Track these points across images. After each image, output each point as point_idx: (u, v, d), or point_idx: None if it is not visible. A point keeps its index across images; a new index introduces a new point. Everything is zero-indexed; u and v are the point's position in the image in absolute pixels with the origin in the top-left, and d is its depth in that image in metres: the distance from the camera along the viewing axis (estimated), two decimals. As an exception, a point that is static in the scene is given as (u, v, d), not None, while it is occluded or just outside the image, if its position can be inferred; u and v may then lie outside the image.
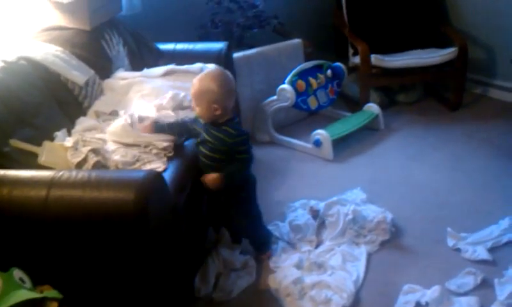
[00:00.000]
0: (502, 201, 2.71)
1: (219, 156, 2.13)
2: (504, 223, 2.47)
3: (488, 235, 2.42)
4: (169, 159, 2.18)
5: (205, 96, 2.07)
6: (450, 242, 2.40)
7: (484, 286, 2.14)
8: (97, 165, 2.01)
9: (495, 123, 3.67)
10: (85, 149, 2.04)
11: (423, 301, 2.06)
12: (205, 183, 2.14)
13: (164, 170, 2.08)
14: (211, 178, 2.12)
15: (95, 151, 2.05)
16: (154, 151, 2.18)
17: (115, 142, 2.21)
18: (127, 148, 2.18)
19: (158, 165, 2.10)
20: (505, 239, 2.38)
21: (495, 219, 2.53)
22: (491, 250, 2.33)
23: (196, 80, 2.12)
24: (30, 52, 2.39)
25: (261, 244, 2.40)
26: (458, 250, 2.36)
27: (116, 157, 2.09)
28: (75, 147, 2.07)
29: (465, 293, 2.10)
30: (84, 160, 2.02)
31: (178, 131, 2.28)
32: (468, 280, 2.16)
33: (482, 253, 2.30)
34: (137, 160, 2.12)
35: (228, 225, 2.42)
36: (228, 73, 2.19)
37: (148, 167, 2.08)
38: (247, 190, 2.29)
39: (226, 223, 2.42)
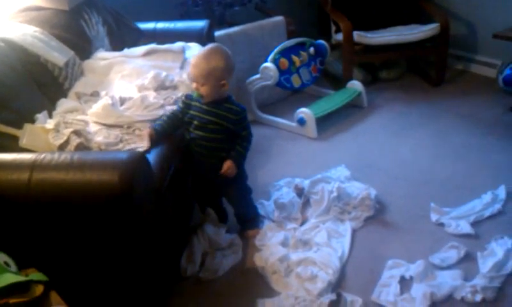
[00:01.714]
0: (485, 176, 2.74)
1: (221, 136, 2.14)
2: (487, 197, 2.51)
3: (470, 209, 2.45)
4: (153, 140, 2.16)
5: (214, 73, 2.07)
6: (434, 217, 2.42)
7: (467, 260, 2.17)
8: (80, 147, 1.98)
9: (477, 98, 3.70)
10: (67, 131, 2.01)
11: (407, 275, 2.09)
12: (226, 175, 2.17)
13: (148, 151, 2.06)
14: (227, 167, 2.15)
15: (77, 132, 2.02)
16: (137, 132, 2.16)
17: (97, 123, 2.19)
18: (109, 129, 2.16)
19: (141, 146, 2.08)
20: (487, 213, 2.42)
21: (478, 193, 2.56)
22: (474, 224, 2.36)
23: (200, 61, 2.09)
24: (8, 33, 2.33)
25: (250, 220, 2.43)
26: (441, 225, 2.38)
27: (99, 138, 2.07)
28: (56, 129, 2.04)
29: (449, 267, 2.13)
30: (66, 142, 1.99)
31: (176, 125, 2.22)
32: (452, 254, 2.19)
33: (465, 227, 2.33)
34: (120, 141, 2.10)
35: (215, 205, 2.42)
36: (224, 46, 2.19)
37: (132, 147, 2.06)
38: (240, 167, 2.30)
39: (212, 203, 2.42)
